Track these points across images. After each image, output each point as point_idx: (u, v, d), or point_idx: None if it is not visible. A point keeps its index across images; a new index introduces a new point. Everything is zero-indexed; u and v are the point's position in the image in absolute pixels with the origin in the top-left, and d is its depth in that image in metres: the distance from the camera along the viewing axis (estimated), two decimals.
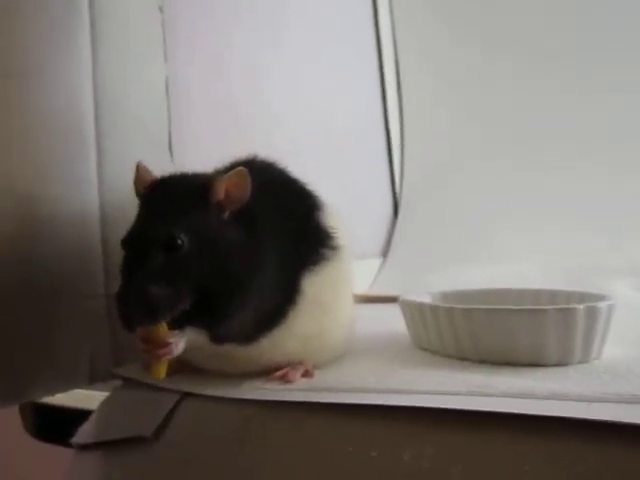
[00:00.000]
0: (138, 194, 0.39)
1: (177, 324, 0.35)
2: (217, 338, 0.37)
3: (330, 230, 0.42)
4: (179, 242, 0.35)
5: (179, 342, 0.36)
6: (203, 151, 0.60)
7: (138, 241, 0.36)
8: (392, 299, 0.70)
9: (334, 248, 0.42)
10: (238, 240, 0.37)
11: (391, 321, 0.56)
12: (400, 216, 1.15)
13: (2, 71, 0.40)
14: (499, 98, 1.12)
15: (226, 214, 0.38)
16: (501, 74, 1.12)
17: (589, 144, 1.03)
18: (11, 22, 0.41)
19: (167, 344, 0.35)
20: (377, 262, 1.06)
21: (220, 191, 0.37)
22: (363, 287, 0.92)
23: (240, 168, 0.37)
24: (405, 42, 1.21)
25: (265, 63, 0.78)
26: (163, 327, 0.35)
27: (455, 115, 1.16)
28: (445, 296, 0.54)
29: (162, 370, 0.36)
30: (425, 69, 1.20)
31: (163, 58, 0.54)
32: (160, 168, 0.41)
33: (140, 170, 0.40)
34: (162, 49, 0.54)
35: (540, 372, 0.38)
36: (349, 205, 0.47)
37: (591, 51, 1.05)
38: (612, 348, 0.43)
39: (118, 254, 0.37)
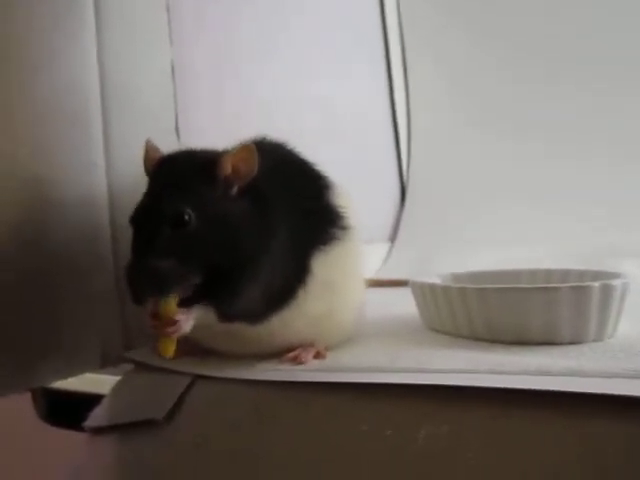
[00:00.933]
0: (147, 172, 0.39)
1: (185, 302, 0.35)
2: (225, 316, 0.37)
3: (340, 210, 0.42)
4: (186, 218, 0.35)
5: (187, 320, 0.36)
6: (210, 134, 0.60)
7: (145, 218, 0.36)
8: (401, 283, 0.70)
9: (344, 228, 0.41)
10: (246, 216, 0.37)
11: (401, 304, 0.56)
12: (407, 201, 1.15)
13: (8, 56, 0.40)
14: (504, 84, 1.12)
15: (234, 190, 0.37)
16: (503, 65, 1.12)
17: (599, 131, 1.02)
18: (14, 9, 0.40)
19: (175, 322, 0.35)
20: (385, 247, 1.05)
21: (227, 166, 0.37)
22: (371, 272, 0.92)
23: (247, 143, 0.37)
24: (411, 31, 1.21)
25: (272, 49, 0.78)
26: (172, 304, 0.35)
27: (462, 100, 1.15)
28: (456, 277, 0.53)
29: (170, 348, 0.36)
30: (431, 59, 1.19)
31: (169, 42, 0.54)
32: (167, 151, 0.40)
33: (149, 148, 0.40)
34: (167, 33, 0.54)
35: (555, 350, 0.38)
36: (357, 190, 0.46)
37: (592, 45, 1.05)
38: (626, 327, 0.42)
39: (127, 237, 0.37)
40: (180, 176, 0.37)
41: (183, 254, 0.34)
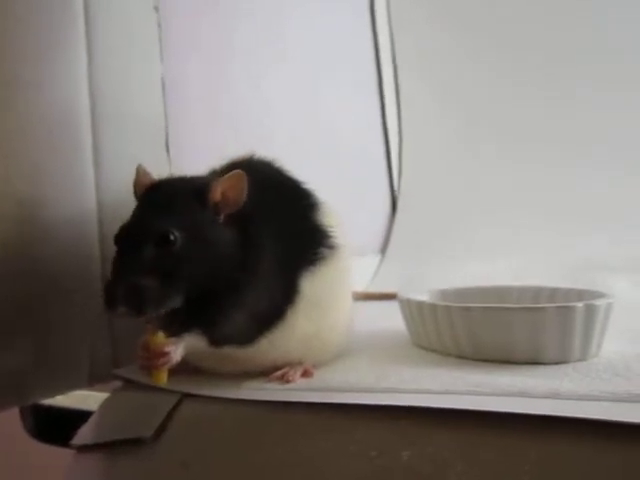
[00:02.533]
0: (137, 197, 0.39)
1: (174, 331, 0.35)
2: (215, 342, 0.37)
3: (327, 229, 0.42)
4: (172, 237, 0.35)
5: (177, 350, 0.36)
6: (200, 150, 0.60)
7: (130, 235, 0.35)
8: (391, 296, 0.70)
9: (332, 247, 0.42)
10: (232, 242, 0.37)
11: (390, 318, 0.56)
12: (398, 213, 1.15)
13: None
14: (495, 98, 1.13)
15: (222, 216, 0.38)
16: (494, 76, 1.13)
17: (588, 142, 1.03)
18: (4, 24, 0.41)
19: (165, 354, 0.35)
20: (376, 259, 1.06)
21: (216, 193, 0.37)
22: (362, 284, 0.92)
23: (237, 171, 0.37)
24: (402, 45, 1.21)
25: (264, 62, 0.78)
26: (160, 336, 0.35)
27: (453, 115, 1.16)
28: (444, 294, 0.54)
29: (163, 376, 0.36)
30: (422, 70, 1.20)
31: (159, 58, 0.54)
32: (157, 167, 0.41)
33: (139, 173, 0.40)
34: (158, 49, 0.54)
35: (539, 370, 0.38)
36: (347, 202, 0.47)
37: (583, 59, 1.06)
38: (611, 345, 0.43)
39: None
40: (167, 199, 0.37)
41: (165, 274, 0.34)
